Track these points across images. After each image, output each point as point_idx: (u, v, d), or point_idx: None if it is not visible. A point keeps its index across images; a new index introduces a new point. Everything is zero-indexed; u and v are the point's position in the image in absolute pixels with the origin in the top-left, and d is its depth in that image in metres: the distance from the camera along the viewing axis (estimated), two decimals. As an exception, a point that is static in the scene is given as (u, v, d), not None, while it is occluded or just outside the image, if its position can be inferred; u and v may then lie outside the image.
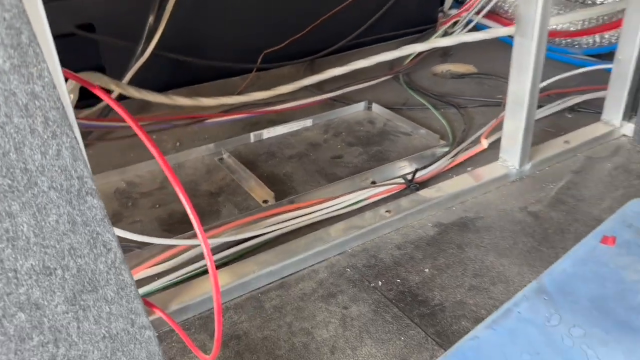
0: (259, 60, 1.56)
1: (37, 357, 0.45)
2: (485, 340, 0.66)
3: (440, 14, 1.85)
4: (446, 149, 1.15)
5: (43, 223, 0.44)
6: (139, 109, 1.37)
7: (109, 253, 0.47)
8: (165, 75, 1.43)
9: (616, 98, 1.18)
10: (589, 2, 1.57)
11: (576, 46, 1.55)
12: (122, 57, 1.30)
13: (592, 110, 1.28)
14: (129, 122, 0.52)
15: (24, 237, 0.43)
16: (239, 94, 1.42)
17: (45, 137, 0.43)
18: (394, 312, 0.77)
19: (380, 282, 0.83)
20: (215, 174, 1.14)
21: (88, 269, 0.47)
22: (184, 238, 0.87)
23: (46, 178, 0.44)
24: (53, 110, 0.43)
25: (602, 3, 1.51)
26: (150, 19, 1.25)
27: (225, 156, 1.20)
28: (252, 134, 1.26)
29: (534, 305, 0.70)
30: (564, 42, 1.57)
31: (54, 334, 0.46)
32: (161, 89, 1.37)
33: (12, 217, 0.43)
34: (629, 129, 1.19)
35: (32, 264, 0.44)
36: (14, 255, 0.43)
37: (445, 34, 1.71)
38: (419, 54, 1.64)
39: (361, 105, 1.41)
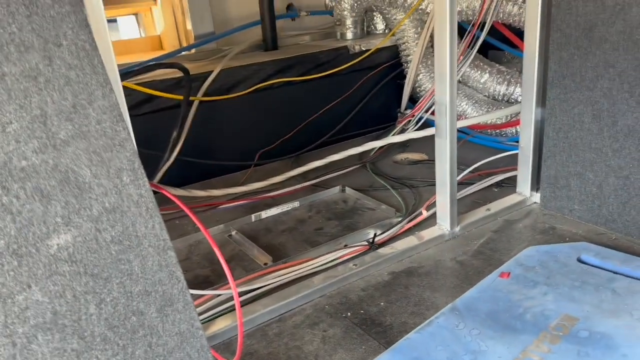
0: (256, 158, 1.98)
1: (141, 343, 0.79)
2: (414, 339, 1.00)
3: (399, 113, 2.30)
4: (400, 219, 1.53)
5: (145, 265, 0.80)
6: (162, 201, 1.75)
7: (179, 282, 0.83)
8: (184, 173, 1.82)
9: (524, 175, 1.58)
10: (513, 100, 2.03)
11: (504, 135, 1.98)
12: (150, 162, 1.70)
13: (513, 185, 1.68)
14: (188, 212, 0.89)
15: (134, 273, 0.79)
16: (241, 185, 1.82)
17: (147, 217, 0.81)
18: (358, 332, 1.11)
19: (349, 313, 1.17)
20: (227, 247, 1.51)
21: (168, 292, 0.82)
22: (211, 290, 1.22)
23: (147, 240, 0.81)
24: (150, 203, 0.81)
25: (515, 102, 1.96)
26: (174, 133, 1.66)
27: (233, 233, 1.56)
28: (252, 215, 1.64)
29: (448, 317, 1.05)
30: (494, 132, 2.00)
31: (150, 330, 0.80)
32: (180, 184, 1.76)
33: (129, 262, 0.79)
34: (537, 197, 1.58)
35: (139, 289, 0.80)
36: (129, 283, 0.78)
37: (402, 130, 2.14)
38: (382, 146, 2.07)
39: (337, 189, 1.80)
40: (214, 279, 1.35)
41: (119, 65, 1.86)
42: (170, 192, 1.65)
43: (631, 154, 1.31)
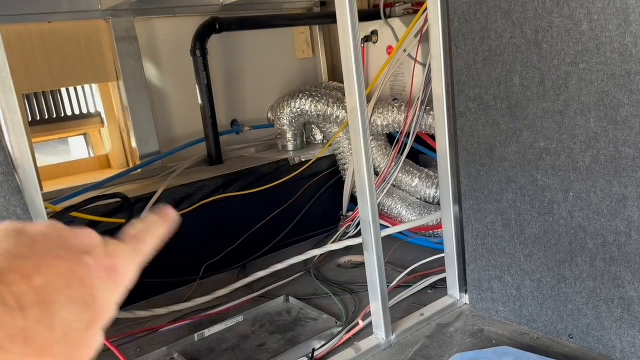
0: (201, 271, 2.03)
1: None
2: None
3: (341, 216, 2.42)
4: (339, 329, 1.59)
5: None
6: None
7: None
8: (128, 293, 1.84)
9: (452, 278, 1.69)
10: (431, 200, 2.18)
11: (436, 236, 2.11)
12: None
13: (445, 285, 1.78)
14: (113, 349, 0.94)
15: None
16: (185, 300, 1.85)
17: None
18: None
19: None
20: (169, 371, 1.52)
21: None
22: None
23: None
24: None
25: (437, 203, 2.11)
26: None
27: (175, 356, 1.58)
28: (195, 335, 1.66)
29: None
30: (428, 233, 2.14)
31: None
32: (124, 305, 1.78)
33: None
34: (466, 299, 1.68)
35: None
36: None
37: (345, 233, 2.25)
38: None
39: (281, 299, 1.86)
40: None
41: (66, 190, 1.92)
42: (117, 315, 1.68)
43: (540, 259, 1.44)
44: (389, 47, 2.40)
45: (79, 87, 2.32)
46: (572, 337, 1.41)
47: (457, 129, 1.54)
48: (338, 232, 2.27)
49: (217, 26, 2.22)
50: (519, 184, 1.44)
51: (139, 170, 2.23)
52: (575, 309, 1.39)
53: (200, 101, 2.29)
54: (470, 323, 1.58)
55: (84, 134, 2.50)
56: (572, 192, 1.32)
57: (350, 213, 2.40)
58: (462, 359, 1.32)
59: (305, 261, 2.10)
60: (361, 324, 1.56)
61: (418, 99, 2.10)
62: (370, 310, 1.55)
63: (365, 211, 1.42)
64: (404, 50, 2.27)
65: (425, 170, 2.27)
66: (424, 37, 2.17)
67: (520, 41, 1.33)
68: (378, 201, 2.22)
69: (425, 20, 1.98)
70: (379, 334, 1.51)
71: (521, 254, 1.48)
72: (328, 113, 2.32)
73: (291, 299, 1.85)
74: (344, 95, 2.35)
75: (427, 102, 2.12)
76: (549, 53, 1.28)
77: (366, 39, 2.45)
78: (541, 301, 1.46)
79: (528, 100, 1.35)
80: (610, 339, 1.33)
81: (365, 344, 1.49)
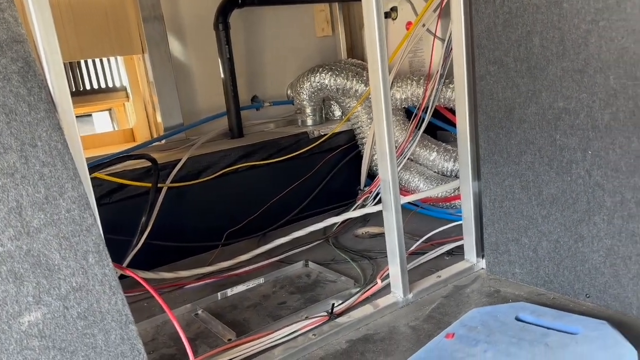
0: (223, 238, 2.08)
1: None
2: (364, 400, 1.07)
3: (359, 191, 2.45)
4: (358, 289, 1.62)
5: (108, 339, 0.88)
6: (132, 284, 1.82)
7: (140, 354, 0.91)
8: (154, 257, 1.90)
9: (469, 244, 1.71)
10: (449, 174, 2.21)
11: (453, 207, 2.13)
12: (122, 247, 1.79)
13: (462, 252, 1.80)
14: (152, 292, 0.99)
15: (99, 347, 0.87)
16: (209, 265, 1.90)
17: (111, 294, 0.90)
18: (315, 398, 1.17)
19: (307, 381, 1.24)
20: (193, 325, 1.57)
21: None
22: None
23: (110, 315, 0.89)
24: (113, 281, 0.90)
25: (455, 176, 2.14)
26: (143, 218, 1.77)
27: (199, 312, 1.63)
28: (219, 293, 1.71)
29: (397, 378, 1.13)
30: (445, 205, 2.16)
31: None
32: (150, 268, 1.84)
33: (94, 336, 0.87)
34: (483, 263, 1.70)
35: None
36: (94, 356, 0.86)
37: (362, 205, 2.28)
38: (344, 221, 2.19)
39: (300, 264, 1.90)
40: (179, 357, 1.41)
41: (92, 158, 1.99)
42: (138, 274, 1.74)
43: (557, 219, 1.46)
44: (409, 23, 2.42)
45: (105, 61, 2.38)
46: (589, 297, 1.43)
47: (477, 93, 1.56)
48: (356, 204, 2.30)
49: (240, 0, 2.26)
50: (538, 145, 1.45)
51: (163, 141, 2.29)
52: (592, 268, 1.41)
53: (222, 75, 2.33)
54: (487, 285, 1.61)
55: (109, 109, 2.57)
56: (590, 151, 1.34)
57: (367, 188, 2.44)
58: (479, 313, 1.35)
59: (325, 230, 2.14)
60: (380, 283, 1.59)
61: (437, 72, 2.12)
62: (388, 272, 1.58)
63: (385, 170, 1.46)
64: (423, 25, 2.29)
65: (444, 144, 2.29)
66: (443, 12, 2.19)
67: (541, 2, 1.35)
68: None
69: (446, -8, 2.00)
70: (397, 293, 1.54)
71: (539, 215, 1.50)
72: (347, 87, 2.35)
73: (310, 263, 1.90)
74: (363, 69, 2.38)
75: (447, 76, 2.14)
76: (569, 12, 1.30)
77: (386, 15, 2.47)
78: (558, 262, 1.48)
79: (548, 60, 1.37)
80: (627, 297, 1.35)
81: (383, 301, 1.53)
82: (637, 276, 1.32)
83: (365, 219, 2.26)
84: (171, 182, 1.96)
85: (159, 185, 1.86)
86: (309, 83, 2.43)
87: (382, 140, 1.44)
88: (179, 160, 2.00)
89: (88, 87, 2.36)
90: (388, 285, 1.59)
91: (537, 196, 1.49)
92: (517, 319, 1.31)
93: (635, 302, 1.33)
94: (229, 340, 1.44)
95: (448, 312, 1.47)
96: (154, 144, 2.26)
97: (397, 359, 1.28)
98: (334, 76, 2.37)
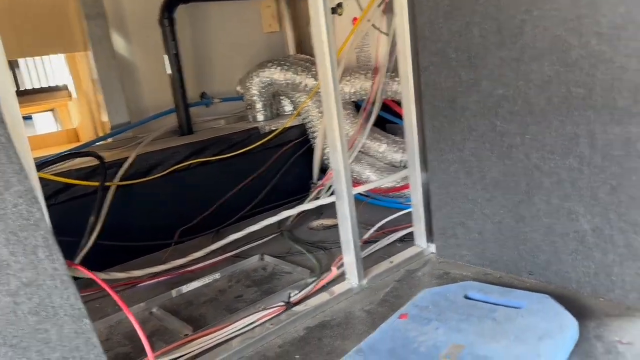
0: (176, 236, 2.06)
1: None
2: (323, 382, 1.10)
3: (311, 184, 2.48)
4: (314, 279, 1.65)
5: (61, 333, 0.86)
6: (83, 284, 1.77)
7: (95, 348, 0.90)
8: (106, 257, 1.86)
9: (419, 230, 1.77)
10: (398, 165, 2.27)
11: (403, 196, 2.19)
12: (71, 249, 1.74)
13: (413, 239, 1.86)
14: (106, 288, 0.97)
15: (52, 341, 0.85)
16: (162, 263, 1.88)
17: (62, 288, 0.88)
18: (275, 385, 1.19)
19: (267, 370, 1.25)
20: (148, 324, 1.55)
21: (85, 358, 0.88)
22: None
23: (63, 310, 0.88)
24: (65, 276, 0.89)
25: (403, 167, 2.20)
26: (92, 218, 1.73)
27: (154, 310, 1.61)
28: (173, 291, 1.70)
29: (355, 357, 1.16)
30: (394, 194, 2.22)
31: None
32: (101, 269, 1.80)
33: (47, 331, 0.85)
34: (433, 248, 1.76)
35: (57, 356, 0.85)
36: (47, 351, 0.84)
37: (316, 198, 2.31)
38: (299, 214, 2.21)
39: (256, 258, 1.91)
40: (134, 356, 1.39)
41: (36, 159, 1.91)
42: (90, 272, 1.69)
43: (500, 202, 1.53)
44: (354, 19, 2.46)
45: (46, 60, 2.30)
46: (532, 274, 1.51)
47: (422, 83, 1.62)
48: (310, 197, 2.33)
49: (185, -4, 2.24)
50: (480, 131, 1.52)
51: (109, 140, 2.24)
52: (534, 246, 1.49)
53: (169, 72, 2.30)
54: (437, 268, 1.67)
55: (51, 110, 2.49)
56: (528, 135, 1.42)
57: (320, 182, 2.47)
58: (430, 294, 1.40)
59: (279, 224, 2.16)
60: (335, 271, 1.62)
61: (384, 66, 2.18)
62: (342, 260, 1.62)
63: (337, 161, 1.49)
64: (368, 20, 2.34)
65: (392, 136, 2.35)
66: (387, 8, 2.24)
67: (479, -6, 1.42)
68: (347, 166, 2.29)
69: (389, -13, 2.06)
70: (352, 280, 1.57)
71: (483, 199, 1.57)
72: (297, 81, 2.37)
73: (266, 257, 1.90)
74: (312, 64, 2.40)
75: (393, 69, 2.20)
76: (506, 3, 1.37)
77: (332, 11, 2.51)
78: (502, 242, 1.56)
79: (487, 50, 1.44)
80: (567, 272, 1.43)
81: (338, 288, 1.56)
82: (575, 252, 1.40)
83: (319, 212, 2.29)
84: (120, 181, 1.92)
85: (107, 183, 1.82)
86: (259, 78, 2.43)
87: (333, 132, 1.46)
88: (127, 158, 1.97)
89: (29, 86, 2.27)
90: (343, 273, 1.62)
91: (481, 180, 1.56)
92: (466, 297, 1.37)
93: (574, 276, 1.42)
94: (185, 335, 1.43)
95: (401, 295, 1.52)
96: (99, 142, 2.20)
97: (353, 342, 1.31)
98: (284, 71, 2.38)
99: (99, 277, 1.70)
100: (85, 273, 0.98)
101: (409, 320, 1.29)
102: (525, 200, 1.47)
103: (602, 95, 1.24)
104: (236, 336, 1.38)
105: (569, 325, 1.20)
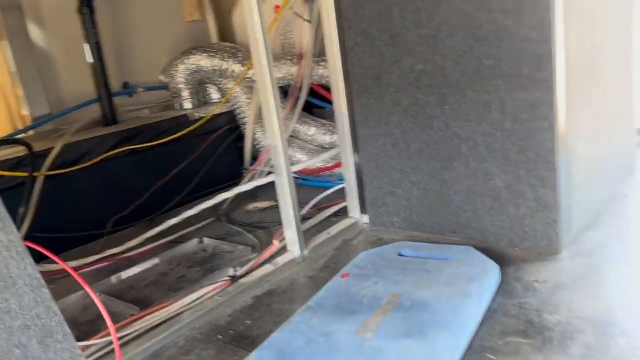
0: (109, 225, 2.02)
1: None
2: (277, 336, 1.16)
3: (243, 170, 2.52)
4: (256, 254, 1.70)
5: (22, 302, 0.87)
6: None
7: (56, 315, 0.90)
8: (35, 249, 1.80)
9: (352, 202, 1.88)
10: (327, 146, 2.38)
11: (334, 175, 2.30)
12: None
13: (346, 213, 1.97)
14: (65, 267, 0.98)
15: (13, 310, 0.86)
16: (97, 252, 1.85)
17: (19, 259, 0.89)
18: (230, 348, 1.24)
19: (220, 336, 1.30)
20: (91, 309, 1.53)
21: (47, 325, 0.89)
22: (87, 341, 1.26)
23: (21, 280, 0.88)
24: (20, 247, 0.89)
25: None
26: (21, 209, 1.67)
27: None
28: (113, 277, 1.68)
29: (304, 315, 1.24)
30: (326, 174, 2.32)
31: (33, 362, 0.86)
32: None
33: (7, 301, 0.86)
34: (366, 218, 1.88)
35: (19, 324, 0.86)
36: (9, 319, 0.85)
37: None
38: (235, 198, 2.25)
39: (195, 241, 1.93)
40: (81, 338, 1.37)
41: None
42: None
43: (424, 169, 1.67)
44: (276, 7, 2.53)
45: (-49, 51, 2.17)
46: (455, 232, 1.67)
47: (348, 63, 1.72)
48: (243, 180, 2.37)
49: (104, -17, 2.20)
50: (403, 105, 1.65)
51: (30, 132, 2.15)
52: (456, 207, 1.64)
53: (91, 61, 2.25)
54: (370, 235, 1.79)
55: (-40, 104, 2.34)
56: (447, 106, 1.56)
57: (252, 167, 2.52)
58: (367, 255, 1.51)
59: (215, 208, 2.18)
60: (276, 244, 1.69)
61: (309, 51, 2.27)
62: (283, 235, 1.69)
63: (274, 136, 1.55)
64: (290, 8, 2.42)
65: (320, 120, 2.45)
66: (309, -4, 2.33)
67: (397, -23, 1.54)
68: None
69: (311, -26, 2.15)
70: (294, 250, 1.65)
71: (409, 167, 1.70)
72: (224, 67, 2.40)
73: (205, 239, 1.93)
74: (238, 50, 2.44)
75: (318, 54, 2.29)
76: (421, -15, 1.50)
77: (254, -1, 2.56)
78: (428, 206, 1.70)
79: (406, 29, 1.57)
80: (486, 227, 1.60)
81: (282, 259, 1.63)
82: (492, 209, 1.57)
83: (254, 196, 2.34)
84: (48, 171, 1.86)
85: (35, 173, 1.76)
86: (184, 65, 2.43)
87: (269, 106, 1.53)
88: (53, 148, 1.91)
89: None
90: (285, 246, 1.69)
91: (406, 150, 1.69)
92: (400, 255, 1.49)
93: (492, 230, 1.58)
94: (131, 315, 1.44)
95: (340, 261, 1.61)
96: (20, 135, 2.11)
97: (300, 304, 1.38)
98: (210, 57, 2.41)
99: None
100: (42, 251, 0.98)
101: (351, 278, 1.39)
102: (447, 166, 1.62)
103: (510, 65, 1.41)
104: (185, 310, 1.41)
105: (492, 269, 1.35)
